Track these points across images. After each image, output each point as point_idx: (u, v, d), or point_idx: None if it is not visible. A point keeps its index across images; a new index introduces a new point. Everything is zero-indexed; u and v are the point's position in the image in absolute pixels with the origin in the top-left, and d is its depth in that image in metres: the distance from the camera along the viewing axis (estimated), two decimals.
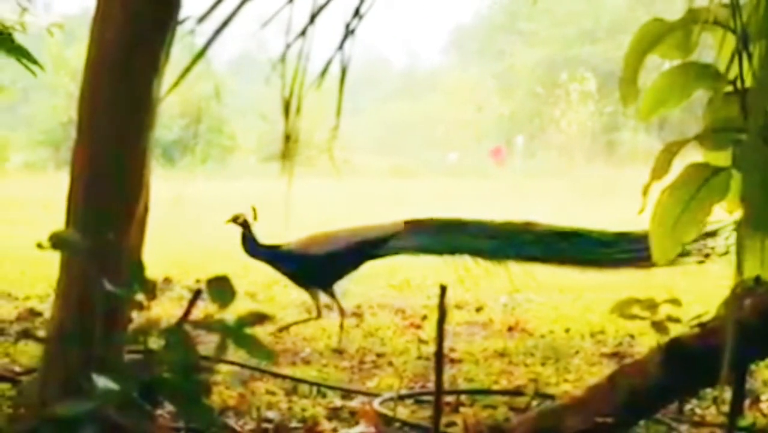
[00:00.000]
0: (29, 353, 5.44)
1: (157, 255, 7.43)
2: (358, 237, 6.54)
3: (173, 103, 26.15)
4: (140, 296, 2.02)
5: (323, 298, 6.52)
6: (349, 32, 2.25)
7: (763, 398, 4.83)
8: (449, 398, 4.71)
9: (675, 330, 3.23)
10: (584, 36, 34.37)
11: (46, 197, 12.71)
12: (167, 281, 8.49)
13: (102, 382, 1.87)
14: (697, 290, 6.69)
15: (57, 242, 2.08)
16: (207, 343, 2.01)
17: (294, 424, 4.35)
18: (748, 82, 2.50)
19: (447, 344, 6.02)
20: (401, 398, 4.67)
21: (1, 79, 13.00)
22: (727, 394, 3.83)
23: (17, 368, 5.11)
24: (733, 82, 2.55)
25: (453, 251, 6.31)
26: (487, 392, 4.98)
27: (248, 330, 1.95)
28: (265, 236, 6.45)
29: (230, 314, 1.96)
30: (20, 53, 5.27)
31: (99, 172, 2.87)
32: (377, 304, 7.84)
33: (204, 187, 19.25)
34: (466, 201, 14.21)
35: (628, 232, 6.14)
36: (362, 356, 5.96)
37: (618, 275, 6.38)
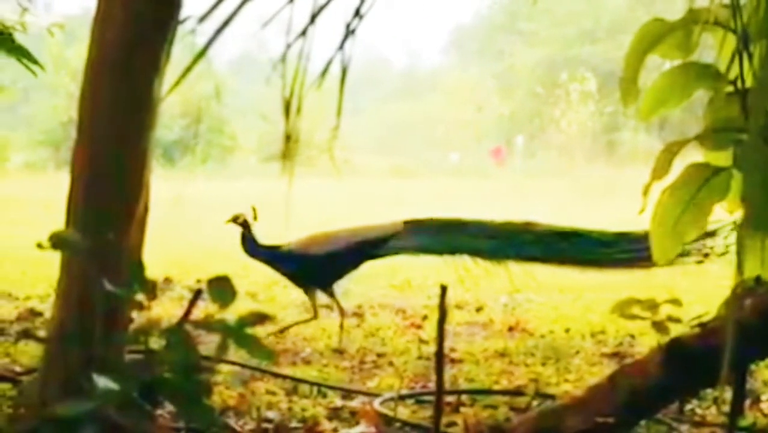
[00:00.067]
0: (30, 353, 5.44)
1: (158, 255, 7.44)
2: (357, 237, 6.54)
3: (174, 103, 26.14)
4: (140, 296, 2.02)
5: (324, 298, 6.52)
6: (349, 32, 2.25)
7: (763, 398, 4.83)
8: (450, 398, 4.71)
9: (675, 330, 3.23)
10: (584, 36, 34.37)
11: (47, 197, 12.70)
12: (168, 281, 8.49)
13: (102, 382, 1.87)
14: (697, 290, 6.70)
15: (57, 241, 2.08)
16: (207, 343, 2.01)
17: (294, 424, 4.35)
18: (749, 82, 2.50)
19: (447, 344, 6.02)
20: (402, 398, 4.67)
21: (1, 79, 13.00)
22: (728, 394, 3.82)
23: (18, 368, 5.11)
24: (734, 82, 2.55)
25: (453, 251, 6.32)
26: (488, 392, 4.98)
27: (249, 330, 1.95)
28: (265, 236, 6.45)
29: (231, 314, 1.96)
30: (21, 53, 5.27)
31: (99, 172, 2.88)
32: (378, 304, 7.84)
33: (204, 188, 19.24)
34: (466, 201, 14.21)
35: (628, 232, 6.14)
36: (363, 356, 5.96)
37: (618, 275, 6.38)
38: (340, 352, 6.07)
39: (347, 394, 4.93)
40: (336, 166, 17.14)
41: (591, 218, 7.86)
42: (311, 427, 4.31)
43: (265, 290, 8.30)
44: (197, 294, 2.03)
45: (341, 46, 2.23)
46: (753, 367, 5.05)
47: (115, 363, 2.02)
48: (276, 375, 5.14)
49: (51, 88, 27.31)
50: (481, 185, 21.15)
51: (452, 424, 4.28)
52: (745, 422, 4.38)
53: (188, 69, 2.08)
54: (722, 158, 2.59)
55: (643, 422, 3.96)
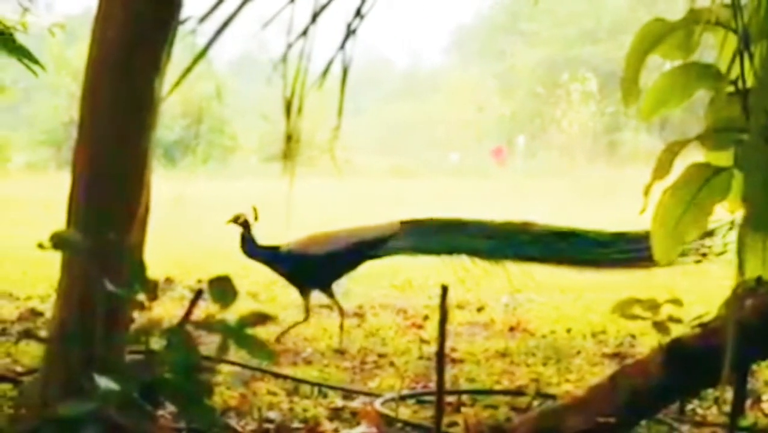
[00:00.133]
0: (31, 353, 5.44)
1: (159, 255, 7.43)
2: (356, 237, 6.54)
3: (174, 103, 26.16)
4: (141, 296, 2.02)
5: (325, 299, 6.52)
6: (350, 32, 2.25)
7: (764, 398, 4.82)
8: (451, 398, 4.71)
9: (676, 330, 3.23)
10: (585, 36, 34.37)
11: (48, 197, 12.68)
12: (168, 281, 8.49)
13: (103, 382, 1.87)
14: (698, 290, 6.69)
15: (58, 242, 2.08)
16: (208, 343, 2.01)
17: (295, 424, 4.35)
18: (750, 82, 2.50)
19: (448, 344, 6.02)
20: (403, 398, 4.67)
21: (2, 79, 13.01)
22: (729, 394, 3.82)
23: (19, 369, 5.11)
24: (735, 83, 2.55)
25: (451, 251, 6.31)
26: (489, 392, 4.98)
27: (249, 330, 1.94)
28: (266, 236, 6.45)
29: (232, 315, 1.96)
30: (22, 53, 5.27)
31: (100, 172, 2.88)
32: (379, 304, 7.84)
33: (205, 188, 19.24)
34: (467, 201, 14.20)
35: (626, 232, 6.15)
36: (364, 357, 5.96)
37: (618, 275, 6.38)
38: (341, 352, 6.06)
39: (348, 394, 4.93)
40: (337, 167, 17.14)
41: (592, 218, 7.86)
42: (312, 427, 4.31)
43: (266, 290, 8.30)
44: (198, 294, 2.03)
45: (342, 46, 2.23)
46: (754, 367, 5.05)
47: (116, 363, 2.02)
48: (277, 375, 5.14)
49: (52, 88, 27.33)
50: (482, 185, 21.14)
51: (453, 424, 4.27)
52: (746, 422, 4.37)
53: (189, 69, 2.08)
54: (723, 158, 2.59)
55: (643, 422, 3.97)
